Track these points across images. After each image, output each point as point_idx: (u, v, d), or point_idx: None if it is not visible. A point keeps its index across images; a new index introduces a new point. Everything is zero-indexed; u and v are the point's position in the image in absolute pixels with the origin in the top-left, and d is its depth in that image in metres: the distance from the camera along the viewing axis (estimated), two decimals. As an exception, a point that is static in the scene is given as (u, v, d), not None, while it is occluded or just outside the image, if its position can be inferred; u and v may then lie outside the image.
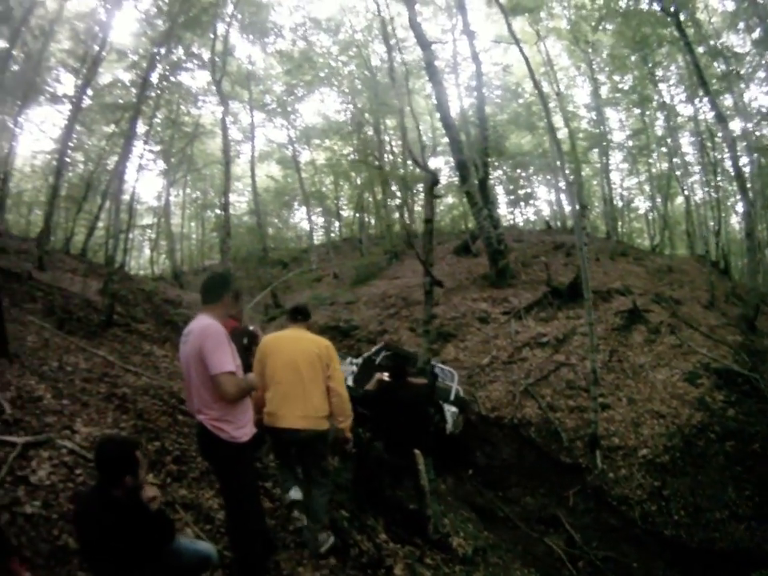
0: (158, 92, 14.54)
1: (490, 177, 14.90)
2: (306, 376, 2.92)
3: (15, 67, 14.34)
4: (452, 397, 6.16)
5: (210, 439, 2.33)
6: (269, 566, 2.74)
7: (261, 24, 15.71)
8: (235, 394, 2.31)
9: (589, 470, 6.22)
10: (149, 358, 7.12)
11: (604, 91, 19.33)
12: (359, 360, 6.79)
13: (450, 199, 22.97)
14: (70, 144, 16.04)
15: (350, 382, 5.59)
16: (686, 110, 17.52)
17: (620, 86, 18.68)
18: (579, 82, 21.25)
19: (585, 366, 7.86)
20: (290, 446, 3.06)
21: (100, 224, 16.78)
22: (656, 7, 12.17)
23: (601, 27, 15.57)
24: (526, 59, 12.07)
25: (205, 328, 2.34)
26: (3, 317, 4.53)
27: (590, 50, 17.49)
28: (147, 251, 25.62)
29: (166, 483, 3.35)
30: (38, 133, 20.28)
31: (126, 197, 13.67)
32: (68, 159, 16.43)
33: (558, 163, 15.80)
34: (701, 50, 13.45)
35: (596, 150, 19.88)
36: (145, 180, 28.47)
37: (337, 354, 3.16)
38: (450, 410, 5.78)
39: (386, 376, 4.08)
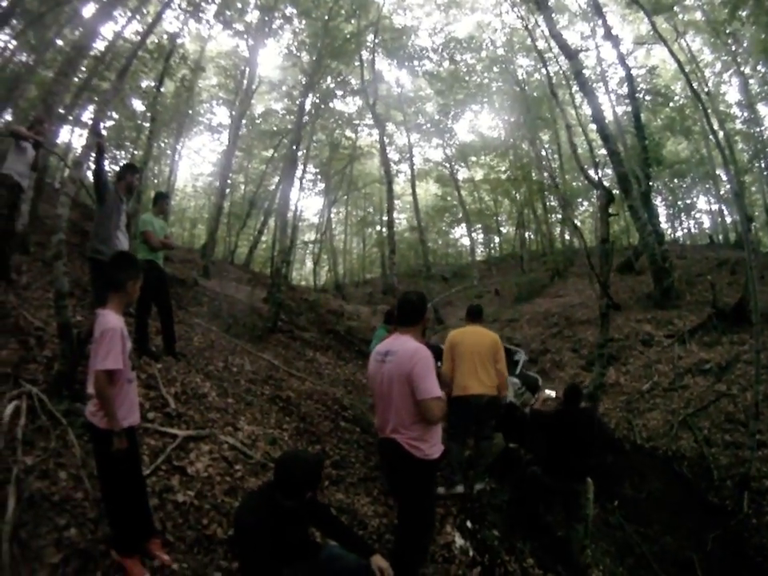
0: (314, 118, 15.99)
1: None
2: (483, 359, 3.92)
3: (168, 100, 16.53)
4: (516, 371, 6.42)
5: (403, 457, 2.36)
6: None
7: (404, 48, 16.53)
8: (440, 417, 2.43)
9: (734, 513, 5.69)
10: (312, 364, 7.53)
11: (754, 86, 17.14)
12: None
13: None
14: (232, 167, 18.35)
15: None
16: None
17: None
18: (726, 77, 19.03)
19: (746, 398, 7.21)
20: (473, 408, 3.89)
21: (263, 238, 18.83)
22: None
23: (736, 14, 13.81)
24: (677, 59, 11.19)
25: (415, 352, 2.36)
26: (172, 317, 4.71)
27: (729, 41, 15.62)
28: (309, 264, 27.42)
29: (324, 486, 3.46)
30: (197, 158, 23.47)
31: (289, 214, 15.18)
32: (229, 181, 18.83)
33: (723, 171, 14.37)
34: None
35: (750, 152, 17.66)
36: (306, 199, 30.55)
37: (502, 345, 4.16)
38: (512, 380, 5.85)
39: (550, 393, 4.28)
